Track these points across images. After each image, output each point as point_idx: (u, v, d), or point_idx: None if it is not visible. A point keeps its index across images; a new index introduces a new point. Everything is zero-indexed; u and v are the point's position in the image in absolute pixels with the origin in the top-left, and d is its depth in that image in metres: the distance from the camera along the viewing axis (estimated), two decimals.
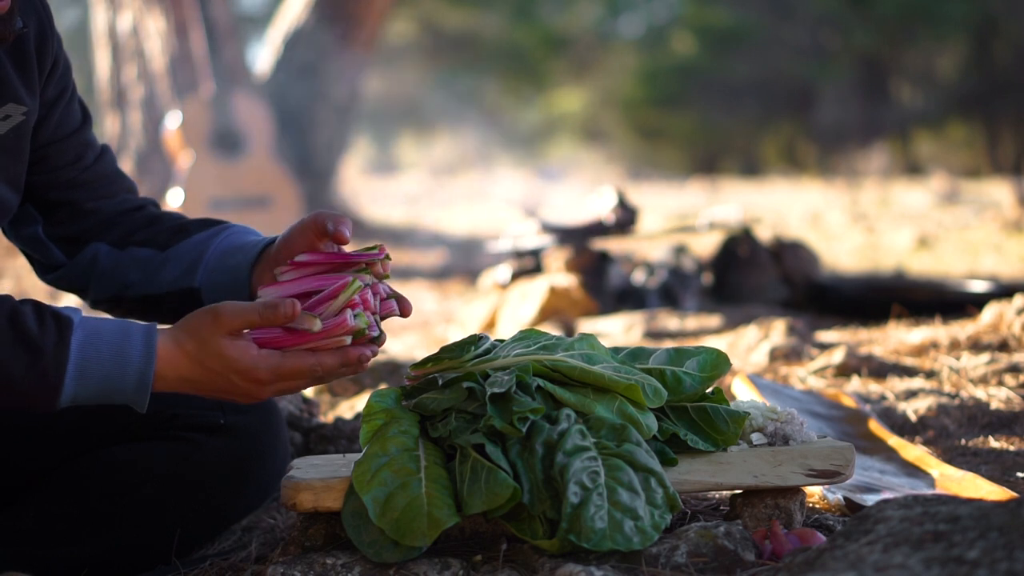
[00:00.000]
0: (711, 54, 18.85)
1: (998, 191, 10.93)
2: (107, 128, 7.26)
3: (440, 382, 1.44)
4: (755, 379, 2.23)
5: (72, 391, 1.32)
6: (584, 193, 7.47)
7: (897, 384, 2.43)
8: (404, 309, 1.46)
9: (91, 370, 1.32)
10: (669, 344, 3.24)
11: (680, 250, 4.44)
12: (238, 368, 1.35)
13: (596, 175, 16.46)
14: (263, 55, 8.06)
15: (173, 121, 6.09)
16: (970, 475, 1.66)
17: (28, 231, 1.64)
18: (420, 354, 3.24)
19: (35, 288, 5.20)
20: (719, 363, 1.48)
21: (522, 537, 1.31)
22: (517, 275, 4.29)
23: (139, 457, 1.55)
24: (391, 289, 1.46)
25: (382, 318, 1.43)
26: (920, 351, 2.76)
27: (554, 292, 3.86)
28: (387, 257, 1.43)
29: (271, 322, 1.35)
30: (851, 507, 1.58)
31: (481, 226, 8.89)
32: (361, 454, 1.36)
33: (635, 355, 1.50)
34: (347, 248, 1.48)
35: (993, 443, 1.98)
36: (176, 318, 1.59)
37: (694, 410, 1.44)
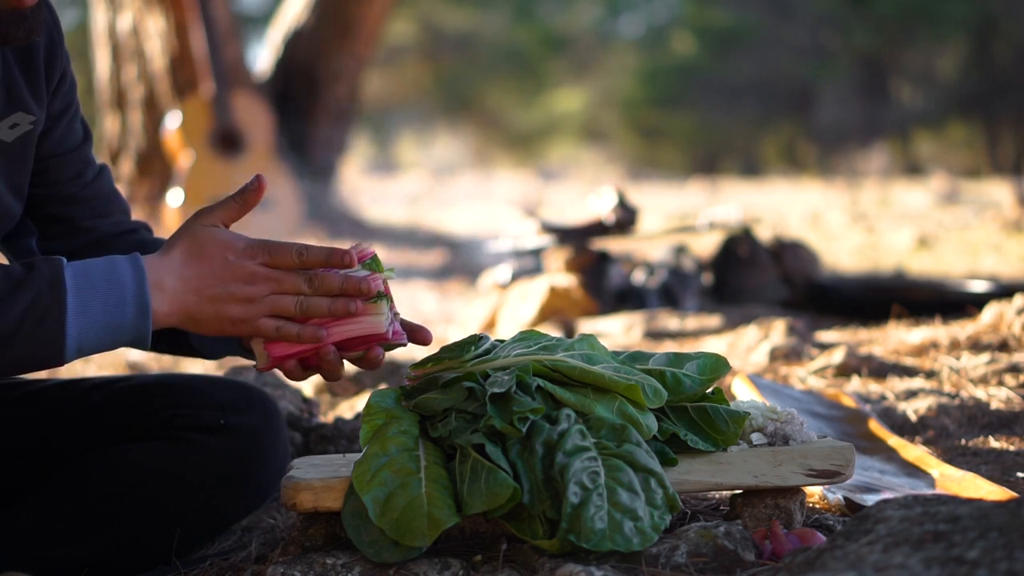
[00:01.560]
0: (711, 54, 18.87)
1: (998, 191, 10.93)
2: (107, 128, 7.26)
3: (440, 382, 1.45)
4: (755, 379, 2.23)
5: (77, 328, 1.33)
6: (584, 193, 7.47)
7: (897, 384, 2.43)
8: (424, 338, 1.51)
9: (88, 296, 1.34)
10: (669, 344, 3.24)
11: (680, 250, 4.44)
12: (231, 245, 1.39)
13: (596, 175, 16.47)
14: (263, 55, 8.06)
15: (173, 121, 6.10)
16: (970, 475, 1.66)
17: (23, 243, 1.64)
18: (420, 354, 3.23)
19: None
20: (718, 366, 1.48)
21: (522, 537, 1.31)
22: (517, 275, 4.29)
23: (139, 457, 1.54)
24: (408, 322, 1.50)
25: (393, 347, 1.47)
26: (920, 351, 2.76)
27: (554, 292, 3.86)
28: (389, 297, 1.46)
29: (245, 201, 1.42)
30: (851, 507, 1.57)
31: (481, 226, 8.88)
32: (361, 454, 1.36)
33: (635, 358, 1.50)
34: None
35: (993, 443, 1.98)
36: (163, 342, 1.59)
37: (694, 410, 1.44)
